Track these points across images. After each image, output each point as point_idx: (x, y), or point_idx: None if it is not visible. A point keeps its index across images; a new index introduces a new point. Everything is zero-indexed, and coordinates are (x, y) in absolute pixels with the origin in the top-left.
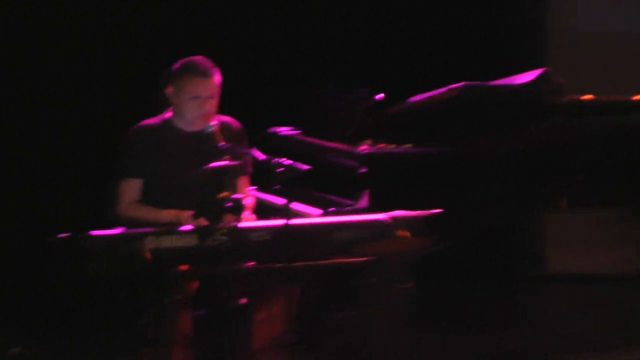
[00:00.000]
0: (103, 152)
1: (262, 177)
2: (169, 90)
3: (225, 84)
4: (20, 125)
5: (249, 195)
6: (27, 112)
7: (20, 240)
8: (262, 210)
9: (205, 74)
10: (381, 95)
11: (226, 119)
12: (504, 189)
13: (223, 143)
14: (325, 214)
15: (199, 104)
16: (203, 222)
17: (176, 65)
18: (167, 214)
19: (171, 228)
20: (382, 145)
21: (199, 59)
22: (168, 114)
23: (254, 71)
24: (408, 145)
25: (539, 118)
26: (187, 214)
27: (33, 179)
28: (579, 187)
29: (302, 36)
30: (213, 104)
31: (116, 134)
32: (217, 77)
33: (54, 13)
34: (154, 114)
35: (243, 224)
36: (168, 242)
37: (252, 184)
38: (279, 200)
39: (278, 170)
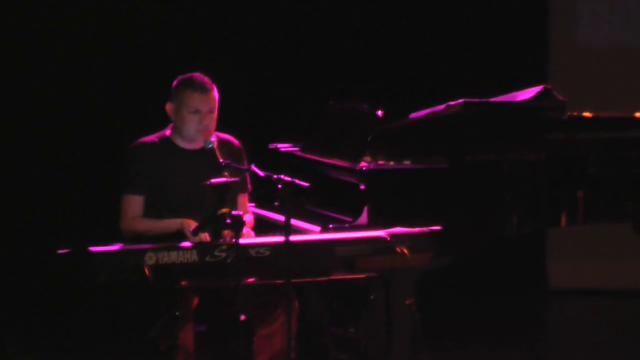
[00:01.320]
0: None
1: (262, 194)
2: (169, 106)
3: (224, 100)
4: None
5: (248, 211)
6: (25, 115)
7: (19, 253)
8: (262, 226)
9: (204, 89)
10: (381, 112)
11: (225, 136)
12: (504, 205)
13: (222, 159)
14: (325, 230)
15: (199, 119)
16: (204, 237)
17: (175, 82)
18: (171, 222)
19: (170, 244)
20: (382, 161)
21: (197, 74)
22: (167, 131)
23: (253, 87)
24: (407, 162)
25: (540, 135)
26: (192, 222)
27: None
28: (580, 202)
29: (301, 51)
30: (212, 118)
31: (114, 142)
32: (215, 93)
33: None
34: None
35: (243, 240)
36: (167, 258)
37: (252, 200)
38: (279, 217)
39: (278, 186)
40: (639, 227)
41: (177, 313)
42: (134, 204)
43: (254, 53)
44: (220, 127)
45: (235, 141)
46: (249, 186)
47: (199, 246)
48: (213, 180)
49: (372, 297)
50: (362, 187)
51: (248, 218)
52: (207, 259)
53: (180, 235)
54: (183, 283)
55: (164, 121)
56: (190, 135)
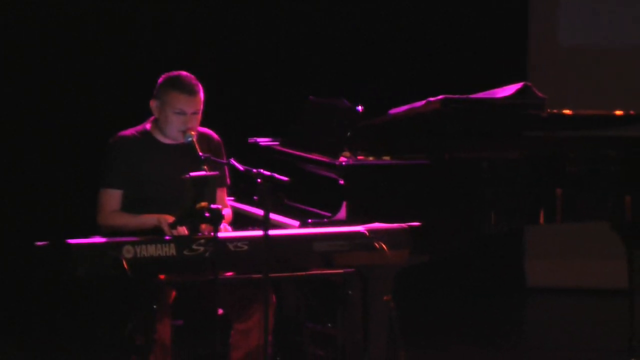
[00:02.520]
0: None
1: (241, 188)
2: (153, 103)
3: (205, 93)
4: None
5: (227, 206)
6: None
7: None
8: (241, 220)
9: (192, 91)
10: (360, 107)
11: (205, 130)
12: (484, 203)
13: (202, 153)
14: (303, 225)
15: (184, 121)
16: (181, 231)
17: (162, 79)
18: (149, 218)
19: (149, 237)
20: (361, 157)
21: (185, 74)
22: (147, 125)
23: (233, 81)
24: (387, 158)
25: (519, 131)
26: (169, 217)
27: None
28: (559, 200)
29: (281, 46)
30: (197, 119)
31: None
32: (201, 94)
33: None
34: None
35: (221, 234)
36: (145, 251)
37: (231, 194)
38: (258, 211)
39: (257, 181)
40: (617, 226)
41: (154, 307)
42: (112, 198)
43: (234, 48)
44: (201, 121)
45: (215, 135)
46: (228, 180)
47: (177, 240)
48: (192, 174)
49: (350, 292)
50: (341, 182)
51: (226, 212)
52: (185, 252)
53: (159, 230)
54: (161, 277)
55: None
56: (172, 135)
